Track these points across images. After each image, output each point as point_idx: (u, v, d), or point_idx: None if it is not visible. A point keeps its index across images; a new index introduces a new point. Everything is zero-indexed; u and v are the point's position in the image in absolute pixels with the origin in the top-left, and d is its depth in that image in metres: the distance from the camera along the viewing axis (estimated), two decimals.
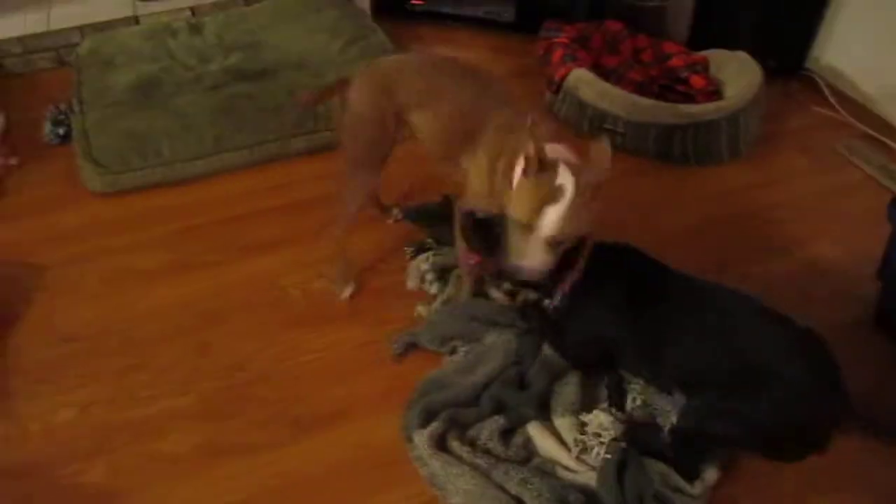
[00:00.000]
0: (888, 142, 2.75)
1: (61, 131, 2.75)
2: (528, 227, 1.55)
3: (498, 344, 1.94)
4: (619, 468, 1.66)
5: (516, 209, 1.56)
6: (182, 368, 1.99)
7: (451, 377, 1.90)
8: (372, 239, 2.35)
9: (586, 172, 1.53)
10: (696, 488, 1.67)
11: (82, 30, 3.22)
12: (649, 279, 1.75)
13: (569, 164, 1.54)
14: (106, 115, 2.65)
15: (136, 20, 3.30)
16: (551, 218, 1.52)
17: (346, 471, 1.76)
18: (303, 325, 2.10)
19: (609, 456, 1.67)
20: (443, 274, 2.18)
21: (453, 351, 1.99)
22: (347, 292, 2.17)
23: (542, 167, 1.52)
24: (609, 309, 1.75)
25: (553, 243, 1.55)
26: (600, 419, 1.77)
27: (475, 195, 1.79)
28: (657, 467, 1.69)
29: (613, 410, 1.81)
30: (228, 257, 2.31)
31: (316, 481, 1.74)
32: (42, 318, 2.13)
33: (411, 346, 2.01)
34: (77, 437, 1.84)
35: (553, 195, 1.52)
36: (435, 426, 1.75)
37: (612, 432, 1.73)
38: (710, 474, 1.70)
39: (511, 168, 1.64)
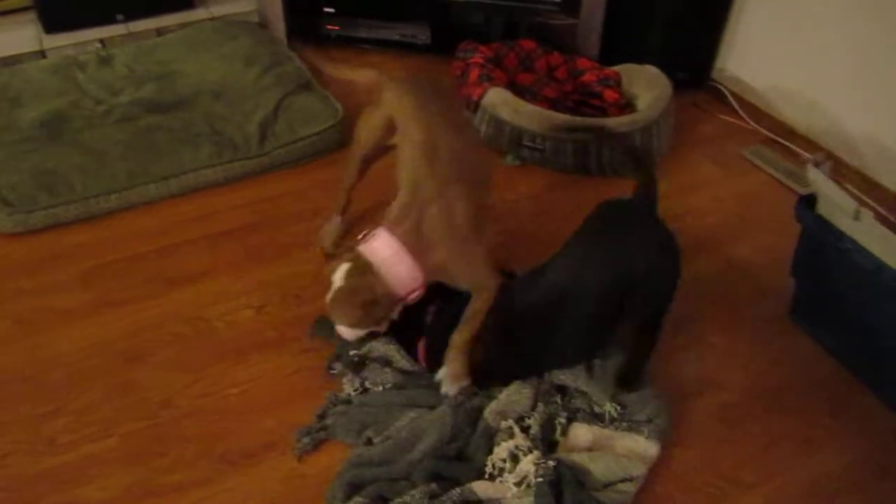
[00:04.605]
0: (789, 145, 2.88)
1: None
2: None
3: (434, 420, 1.80)
4: (556, 487, 1.63)
5: None
6: (103, 410, 1.92)
7: (388, 455, 1.76)
8: (297, 265, 2.33)
9: None
10: (639, 469, 1.71)
11: None
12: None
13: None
14: (12, 152, 2.56)
15: (42, 54, 3.21)
16: None
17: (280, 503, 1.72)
18: (229, 358, 2.06)
19: (541, 478, 1.64)
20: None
21: (368, 441, 1.81)
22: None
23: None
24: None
25: None
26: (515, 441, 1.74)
27: None
28: (595, 472, 1.70)
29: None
30: (149, 292, 2.25)
31: None
32: None
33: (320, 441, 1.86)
34: None
35: None
36: (357, 501, 1.65)
37: (536, 453, 1.70)
38: (653, 449, 1.75)
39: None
